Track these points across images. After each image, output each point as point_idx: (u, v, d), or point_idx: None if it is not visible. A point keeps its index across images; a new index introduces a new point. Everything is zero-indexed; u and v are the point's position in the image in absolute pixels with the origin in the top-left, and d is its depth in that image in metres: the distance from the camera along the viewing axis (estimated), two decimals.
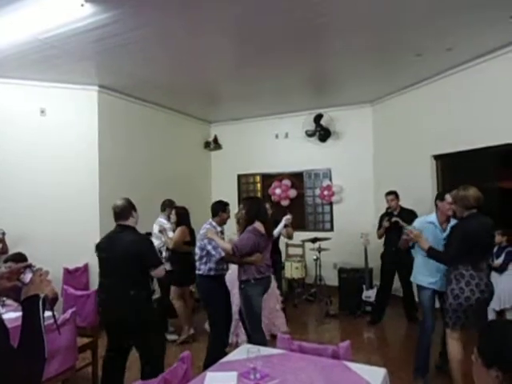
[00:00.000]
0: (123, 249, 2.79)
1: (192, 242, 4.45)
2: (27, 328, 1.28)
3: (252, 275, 3.33)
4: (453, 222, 3.28)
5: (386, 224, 4.98)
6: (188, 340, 4.53)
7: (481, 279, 2.85)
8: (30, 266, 1.52)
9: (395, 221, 4.77)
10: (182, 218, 4.60)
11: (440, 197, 3.37)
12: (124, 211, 2.93)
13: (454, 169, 5.20)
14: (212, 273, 3.64)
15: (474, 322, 2.87)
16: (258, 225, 3.37)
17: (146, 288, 2.94)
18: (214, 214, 3.82)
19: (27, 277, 1.55)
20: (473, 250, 2.84)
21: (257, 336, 3.28)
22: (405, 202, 5.03)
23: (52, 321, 2.68)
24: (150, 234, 4.64)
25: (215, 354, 3.18)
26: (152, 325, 2.93)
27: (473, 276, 2.85)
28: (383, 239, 5.18)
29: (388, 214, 5.06)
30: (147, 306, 2.92)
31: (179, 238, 4.43)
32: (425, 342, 3.29)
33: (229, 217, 3.92)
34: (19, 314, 2.89)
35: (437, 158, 5.41)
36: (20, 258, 3.64)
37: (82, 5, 3.14)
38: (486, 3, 3.36)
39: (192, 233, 4.58)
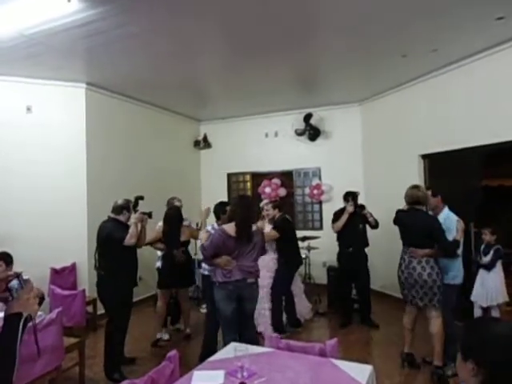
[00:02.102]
0: (101, 232, 3.67)
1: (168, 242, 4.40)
2: (1, 343, 1.29)
3: (216, 278, 3.22)
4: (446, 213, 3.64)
5: (349, 209, 4.76)
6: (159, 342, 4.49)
7: (403, 261, 3.61)
8: (18, 276, 1.53)
9: (359, 212, 4.86)
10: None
11: None
12: (117, 208, 3.73)
13: (441, 168, 5.27)
14: (206, 272, 3.81)
15: (410, 298, 3.56)
16: (229, 226, 3.21)
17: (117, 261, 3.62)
18: (218, 218, 3.83)
19: (14, 285, 1.55)
20: (401, 236, 3.69)
21: (227, 338, 3.15)
22: (393, 201, 5.07)
23: (38, 320, 2.66)
24: None
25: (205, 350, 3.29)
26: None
27: (401, 257, 3.65)
28: (338, 241, 5.11)
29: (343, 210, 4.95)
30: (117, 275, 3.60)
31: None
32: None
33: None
34: (2, 314, 2.86)
35: (424, 157, 5.48)
36: (6, 257, 3.60)
37: (69, 1, 3.10)
38: (472, 5, 3.40)
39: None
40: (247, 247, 3.23)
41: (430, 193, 3.66)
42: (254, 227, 3.31)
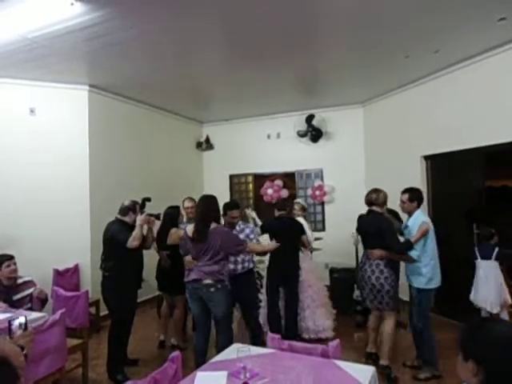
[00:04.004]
0: (106, 233, 3.69)
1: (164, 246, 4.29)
2: None
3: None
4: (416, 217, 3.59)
5: None
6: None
7: (360, 263, 3.82)
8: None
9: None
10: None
11: None
12: (123, 209, 3.73)
13: (443, 169, 5.26)
14: None
15: (366, 299, 3.73)
16: (190, 226, 3.33)
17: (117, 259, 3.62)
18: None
19: (16, 324, 1.61)
20: (361, 240, 3.90)
21: (195, 338, 3.43)
22: (395, 203, 5.06)
23: (40, 322, 2.67)
24: None
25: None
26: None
27: (360, 260, 3.88)
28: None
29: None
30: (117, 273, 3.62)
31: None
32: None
33: (235, 217, 3.72)
34: (5, 315, 2.88)
35: (427, 158, 5.47)
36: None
37: (72, 3, 3.12)
38: (473, 5, 3.40)
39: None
40: (202, 247, 3.20)
41: (407, 197, 3.62)
42: (213, 226, 3.23)
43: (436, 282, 3.50)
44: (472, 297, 4.16)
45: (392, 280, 3.56)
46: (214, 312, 3.26)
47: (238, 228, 3.85)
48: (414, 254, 3.46)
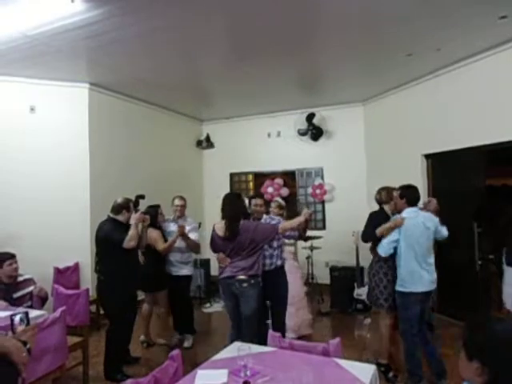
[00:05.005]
0: (99, 233, 3.56)
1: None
2: None
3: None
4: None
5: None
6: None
7: None
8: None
9: None
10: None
11: None
12: (116, 208, 3.58)
13: (444, 168, 5.25)
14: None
15: None
16: (219, 223, 3.37)
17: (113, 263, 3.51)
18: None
19: (17, 319, 1.60)
20: None
21: (228, 333, 3.50)
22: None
23: (42, 319, 2.67)
24: None
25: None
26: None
27: None
28: None
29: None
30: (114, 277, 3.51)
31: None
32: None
33: (258, 205, 3.69)
34: (6, 313, 2.87)
35: (427, 156, 5.46)
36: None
37: (73, 1, 3.11)
38: (475, 4, 3.39)
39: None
40: (234, 244, 3.28)
41: (397, 193, 3.52)
42: (242, 222, 3.30)
43: (411, 288, 3.24)
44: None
45: (377, 279, 3.58)
46: (242, 308, 3.29)
47: (263, 221, 3.67)
48: (380, 249, 3.38)
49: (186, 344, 4.37)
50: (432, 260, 3.38)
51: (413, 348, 3.28)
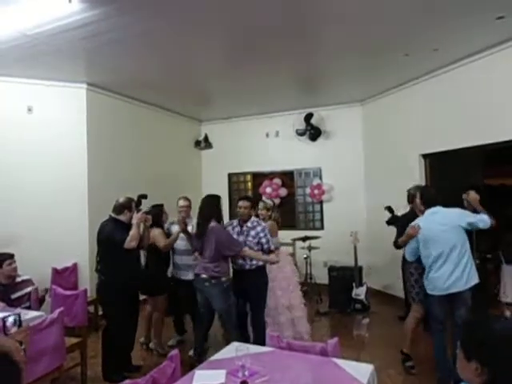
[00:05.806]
0: (101, 233, 3.54)
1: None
2: None
3: None
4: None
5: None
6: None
7: None
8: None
9: None
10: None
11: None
12: (118, 207, 3.58)
13: (442, 167, 5.26)
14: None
15: None
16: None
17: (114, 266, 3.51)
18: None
19: (11, 320, 1.61)
20: None
21: (194, 331, 3.89)
22: (394, 201, 5.08)
23: (39, 321, 2.66)
24: None
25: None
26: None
27: None
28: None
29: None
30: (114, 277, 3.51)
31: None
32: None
33: (241, 207, 3.71)
34: (3, 314, 2.87)
35: (425, 156, 5.47)
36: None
37: (70, 1, 3.10)
38: (472, 4, 3.40)
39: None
40: (203, 243, 3.52)
41: (419, 195, 3.58)
42: (212, 224, 3.47)
43: (431, 289, 3.31)
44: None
45: (408, 274, 3.74)
46: (214, 306, 3.51)
47: (249, 224, 3.70)
48: (406, 255, 3.58)
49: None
50: (464, 259, 3.19)
51: (439, 348, 3.29)
